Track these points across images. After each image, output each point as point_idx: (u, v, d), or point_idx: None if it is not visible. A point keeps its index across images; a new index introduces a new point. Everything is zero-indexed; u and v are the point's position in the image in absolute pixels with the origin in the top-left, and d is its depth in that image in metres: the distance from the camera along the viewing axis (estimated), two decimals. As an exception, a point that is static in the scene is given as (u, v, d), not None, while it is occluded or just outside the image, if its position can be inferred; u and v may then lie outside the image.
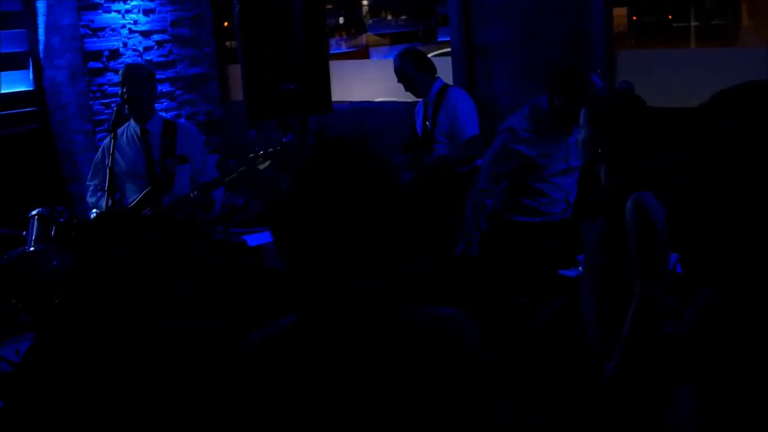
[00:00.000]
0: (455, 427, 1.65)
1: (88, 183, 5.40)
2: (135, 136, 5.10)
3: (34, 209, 5.39)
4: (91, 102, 7.71)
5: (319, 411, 1.65)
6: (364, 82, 7.99)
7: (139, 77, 5.09)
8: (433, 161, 5.79)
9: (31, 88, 7.92)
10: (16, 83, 7.85)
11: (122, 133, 5.17)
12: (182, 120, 8.39)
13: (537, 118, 4.67)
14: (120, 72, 5.16)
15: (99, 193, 5.26)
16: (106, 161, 5.19)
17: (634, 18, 6.87)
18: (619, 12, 6.37)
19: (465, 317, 1.72)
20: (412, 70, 5.78)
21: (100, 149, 5.29)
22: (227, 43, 8.99)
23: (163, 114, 7.96)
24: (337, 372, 1.65)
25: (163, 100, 8.31)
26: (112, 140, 4.76)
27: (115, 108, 4.98)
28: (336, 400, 1.65)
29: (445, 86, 5.83)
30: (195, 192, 5.05)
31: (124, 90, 5.01)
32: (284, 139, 5.11)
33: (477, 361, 1.68)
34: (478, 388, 1.67)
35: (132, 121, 5.12)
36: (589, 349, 3.35)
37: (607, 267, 3.23)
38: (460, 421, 1.65)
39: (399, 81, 5.87)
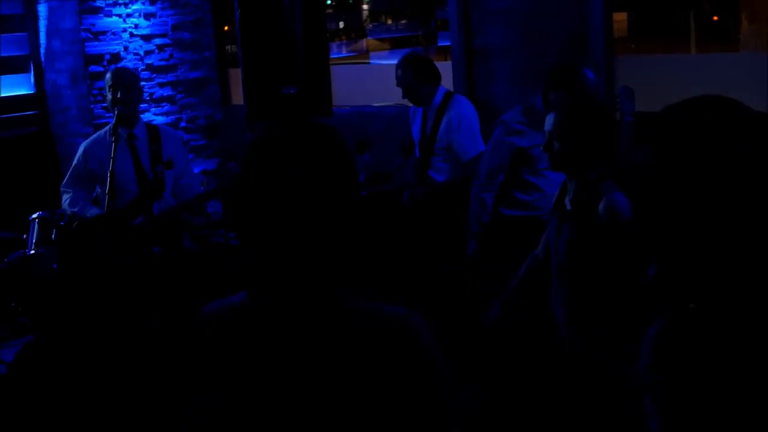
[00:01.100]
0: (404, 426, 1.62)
1: (63, 189, 5.22)
2: (121, 140, 4.97)
3: (35, 212, 5.38)
4: (92, 106, 7.72)
5: (262, 395, 1.65)
6: (365, 86, 7.99)
7: (130, 81, 5.04)
8: (427, 192, 5.65)
9: (32, 92, 7.93)
10: (17, 87, 7.86)
11: (103, 137, 5.09)
12: (154, 120, 8.41)
13: (529, 114, 4.74)
14: (109, 75, 5.05)
15: (82, 203, 5.13)
16: (89, 165, 5.12)
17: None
18: (619, 17, 6.38)
19: (415, 317, 1.69)
20: (411, 80, 5.57)
21: (81, 152, 5.15)
22: (228, 47, 9.00)
23: (149, 118, 7.98)
24: (283, 359, 1.64)
25: (164, 103, 8.31)
26: (113, 144, 4.71)
27: (116, 112, 4.92)
28: (280, 387, 1.64)
29: (449, 95, 5.65)
30: (192, 203, 5.02)
31: (118, 93, 4.93)
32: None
33: (426, 361, 1.64)
34: (429, 387, 1.64)
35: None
36: (561, 348, 3.42)
37: (576, 270, 3.30)
38: (410, 421, 1.62)
39: (401, 89, 5.69)
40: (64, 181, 5.23)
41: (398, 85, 5.67)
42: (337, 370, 1.62)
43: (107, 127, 5.06)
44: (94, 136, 5.25)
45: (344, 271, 1.67)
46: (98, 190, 5.08)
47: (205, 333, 1.74)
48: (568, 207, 3.40)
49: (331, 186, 1.62)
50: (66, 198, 5.18)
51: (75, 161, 5.18)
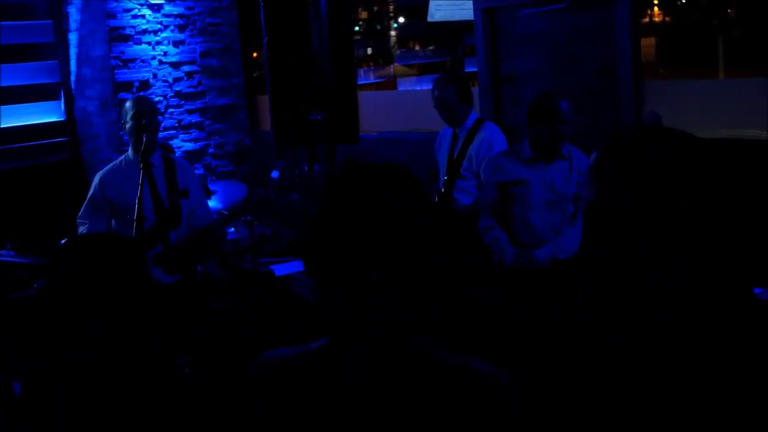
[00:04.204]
0: None
1: (79, 220, 5.10)
2: (137, 169, 4.87)
3: (64, 238, 5.40)
4: (121, 132, 7.79)
5: None
6: (392, 112, 8.00)
7: (152, 108, 5.01)
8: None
9: (63, 119, 8.02)
10: (47, 114, 7.95)
11: (119, 165, 5.06)
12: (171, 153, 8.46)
13: (515, 149, 4.91)
14: (129, 104, 4.98)
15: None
16: (107, 194, 5.00)
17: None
18: (648, 42, 6.35)
19: (503, 376, 1.64)
20: (453, 97, 5.43)
21: (98, 182, 5.06)
22: (255, 74, 9.06)
23: (178, 144, 8.03)
24: (359, 404, 1.61)
25: (192, 130, 8.38)
26: (143, 171, 4.71)
27: (145, 139, 4.91)
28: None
29: (480, 120, 5.57)
30: (213, 230, 4.98)
31: (143, 120, 4.86)
32: (304, 167, 5.09)
33: (509, 416, 1.61)
34: None
35: (130, 154, 4.97)
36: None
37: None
38: None
39: (437, 107, 5.53)
40: (81, 212, 5.11)
41: (437, 103, 5.50)
42: (415, 422, 1.58)
43: (123, 156, 5.04)
44: (110, 165, 5.15)
45: (426, 319, 1.64)
46: (113, 221, 5.03)
47: (272, 380, 1.71)
48: None
49: (417, 227, 1.59)
50: (82, 230, 5.07)
51: (91, 191, 5.09)
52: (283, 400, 1.68)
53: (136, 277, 2.38)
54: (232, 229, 6.39)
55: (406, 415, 1.59)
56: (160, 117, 5.19)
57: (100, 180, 5.06)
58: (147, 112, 4.94)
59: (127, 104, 4.99)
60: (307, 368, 1.68)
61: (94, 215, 5.06)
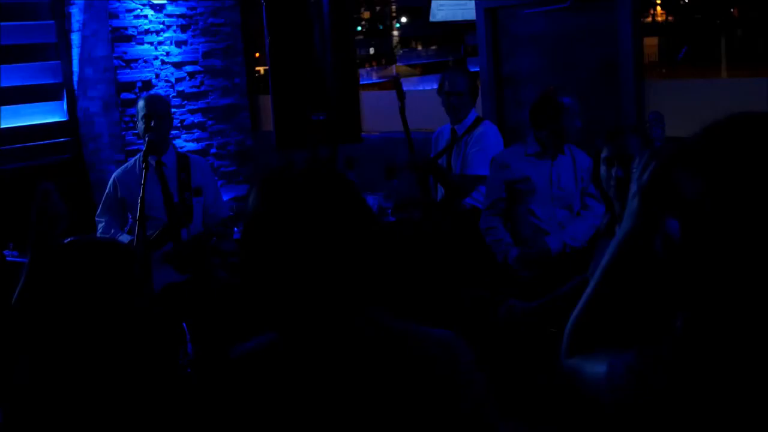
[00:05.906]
0: None
1: (97, 218, 5.19)
2: (150, 168, 4.93)
3: (66, 239, 5.41)
4: (123, 132, 7.79)
5: (298, 426, 1.63)
6: (394, 112, 7.99)
7: (163, 110, 5.05)
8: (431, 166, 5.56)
9: (65, 119, 8.02)
10: (50, 114, 7.95)
11: (133, 165, 5.10)
12: (183, 149, 8.46)
13: (515, 149, 4.93)
14: (141, 104, 5.03)
15: (113, 231, 5.11)
16: (120, 194, 5.13)
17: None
18: (650, 41, 6.35)
19: (459, 340, 1.67)
20: (467, 84, 5.49)
21: (112, 182, 5.14)
22: (258, 74, 9.06)
23: (180, 144, 8.03)
24: (319, 389, 1.62)
25: (195, 130, 8.38)
26: (144, 171, 4.71)
27: (148, 139, 4.92)
28: (316, 418, 1.62)
29: (479, 119, 5.62)
30: (218, 227, 5.00)
31: (152, 122, 4.92)
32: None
33: (471, 385, 1.63)
34: (473, 412, 1.62)
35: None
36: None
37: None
38: None
39: (446, 92, 5.51)
40: (98, 210, 5.22)
41: (448, 88, 5.50)
42: (375, 395, 1.59)
43: (137, 156, 5.08)
44: (125, 165, 5.26)
45: (375, 294, 1.65)
46: (131, 218, 5.09)
47: (237, 376, 1.73)
48: None
49: (345, 216, 1.62)
50: (100, 227, 5.18)
51: (107, 190, 5.18)
52: (250, 394, 1.69)
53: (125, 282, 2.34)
54: (237, 229, 6.39)
55: (365, 392, 1.60)
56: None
57: (114, 179, 5.17)
58: (156, 114, 4.96)
59: (140, 103, 5.07)
60: (268, 361, 1.70)
61: (110, 213, 5.17)
